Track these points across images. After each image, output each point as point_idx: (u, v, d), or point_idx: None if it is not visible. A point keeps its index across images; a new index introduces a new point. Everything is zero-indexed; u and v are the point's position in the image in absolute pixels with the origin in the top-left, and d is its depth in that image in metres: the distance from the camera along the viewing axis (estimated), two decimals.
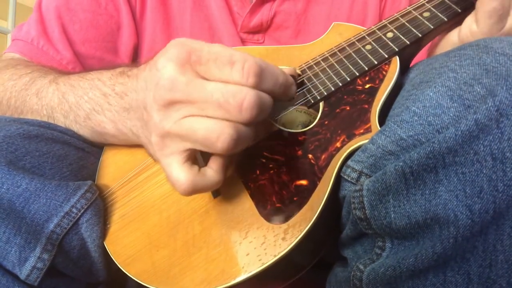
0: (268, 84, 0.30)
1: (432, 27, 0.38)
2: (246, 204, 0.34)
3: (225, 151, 0.29)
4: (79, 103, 0.38)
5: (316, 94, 0.38)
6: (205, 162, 0.32)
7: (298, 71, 0.41)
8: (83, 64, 0.55)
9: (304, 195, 0.33)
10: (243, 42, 0.59)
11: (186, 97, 0.28)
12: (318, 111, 0.38)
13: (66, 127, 0.40)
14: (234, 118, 0.28)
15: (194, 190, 0.30)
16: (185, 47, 0.29)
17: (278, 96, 0.31)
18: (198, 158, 0.32)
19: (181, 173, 0.30)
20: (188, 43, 0.29)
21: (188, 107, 0.29)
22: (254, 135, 0.31)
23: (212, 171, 0.32)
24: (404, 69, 0.38)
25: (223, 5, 0.59)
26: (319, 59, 0.41)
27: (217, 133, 0.28)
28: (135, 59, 0.60)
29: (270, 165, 0.36)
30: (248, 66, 0.28)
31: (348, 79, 0.38)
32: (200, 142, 0.29)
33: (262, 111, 0.29)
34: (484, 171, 0.24)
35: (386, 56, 0.38)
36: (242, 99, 0.28)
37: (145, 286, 0.34)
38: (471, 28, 0.36)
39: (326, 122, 0.36)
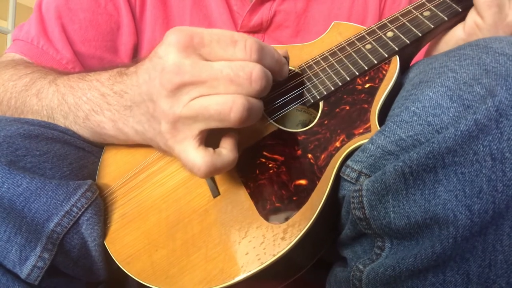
0: (267, 60, 0.32)
1: (432, 26, 0.38)
2: (245, 204, 0.34)
3: (239, 122, 0.30)
4: (78, 104, 0.38)
5: (315, 93, 0.38)
6: (216, 146, 0.33)
7: (298, 71, 0.41)
8: (83, 64, 0.55)
9: (303, 194, 0.33)
10: None
11: (196, 78, 0.29)
12: (317, 111, 0.38)
13: (66, 127, 0.40)
14: (246, 91, 0.29)
15: (213, 171, 0.31)
16: (184, 32, 0.30)
17: (275, 73, 0.33)
18: None
19: (197, 156, 0.30)
20: (186, 28, 0.30)
21: (198, 88, 0.29)
22: (262, 109, 0.32)
23: (226, 150, 0.33)
24: (404, 69, 0.38)
25: (222, 5, 0.59)
26: (319, 59, 0.41)
27: (229, 104, 0.29)
28: (135, 58, 0.60)
29: (270, 165, 0.36)
30: (249, 44, 0.30)
31: (348, 79, 0.38)
32: (214, 118, 0.29)
33: (268, 84, 0.31)
34: (484, 171, 0.24)
35: (386, 55, 0.38)
36: (250, 71, 0.29)
37: (145, 285, 0.34)
38: (476, 21, 0.37)
39: (326, 122, 0.36)
